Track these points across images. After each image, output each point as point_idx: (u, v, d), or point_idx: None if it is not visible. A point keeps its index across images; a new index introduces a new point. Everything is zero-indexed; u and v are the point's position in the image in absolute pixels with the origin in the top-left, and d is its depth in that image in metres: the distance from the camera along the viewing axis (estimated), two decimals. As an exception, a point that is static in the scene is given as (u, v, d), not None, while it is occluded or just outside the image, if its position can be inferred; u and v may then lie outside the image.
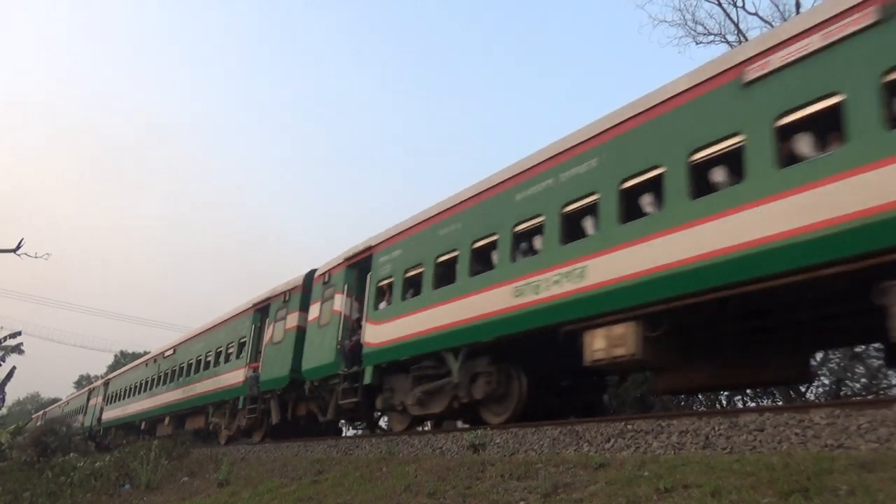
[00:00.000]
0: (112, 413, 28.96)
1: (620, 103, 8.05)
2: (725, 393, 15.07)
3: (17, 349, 16.09)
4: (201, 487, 11.10)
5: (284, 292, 16.10)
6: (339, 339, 12.90)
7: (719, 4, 19.48)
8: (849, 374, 14.49)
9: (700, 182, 7.19)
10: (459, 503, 5.85)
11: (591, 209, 8.40)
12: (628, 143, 8.03)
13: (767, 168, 6.46)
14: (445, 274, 10.70)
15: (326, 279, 14.17)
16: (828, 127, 6.26)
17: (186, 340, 22.79)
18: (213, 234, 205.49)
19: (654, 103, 7.89)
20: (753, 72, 6.81)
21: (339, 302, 13.31)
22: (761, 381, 10.08)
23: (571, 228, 8.69)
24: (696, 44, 20.96)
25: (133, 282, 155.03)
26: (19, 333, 17.09)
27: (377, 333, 11.79)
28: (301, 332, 14.75)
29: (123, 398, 27.97)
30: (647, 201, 7.83)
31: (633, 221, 7.74)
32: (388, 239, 12.38)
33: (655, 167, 7.54)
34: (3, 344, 16.19)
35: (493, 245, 9.80)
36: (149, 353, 28.87)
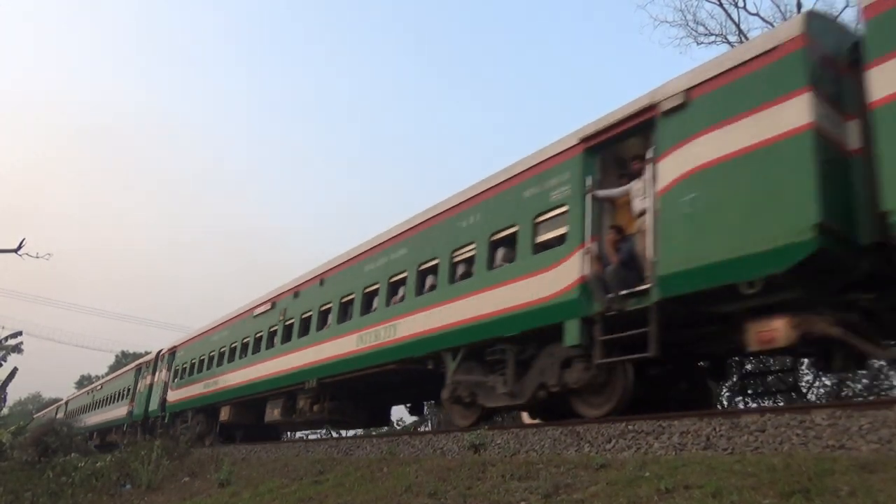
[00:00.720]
0: None
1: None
2: (727, 394, 15.13)
3: (17, 349, 16.10)
4: (202, 488, 11.10)
5: (147, 361, 26.45)
6: (161, 395, 23.07)
7: (720, 5, 19.52)
8: (850, 375, 14.49)
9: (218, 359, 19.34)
10: (460, 503, 5.85)
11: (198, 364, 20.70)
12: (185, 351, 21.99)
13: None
14: (191, 370, 21.18)
15: (163, 358, 24.41)
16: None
17: (107, 381, 34.65)
18: (214, 232, 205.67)
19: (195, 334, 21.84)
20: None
21: (165, 374, 23.62)
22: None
23: (196, 367, 20.77)
24: (698, 44, 21.01)
25: (134, 281, 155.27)
26: (20, 333, 17.11)
27: (172, 395, 22.16)
28: (151, 387, 24.63)
29: (75, 415, 37.53)
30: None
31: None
32: (181, 343, 23.36)
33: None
34: (4, 344, 16.20)
35: (201, 362, 20.48)
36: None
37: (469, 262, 10.15)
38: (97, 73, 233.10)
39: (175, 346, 23.42)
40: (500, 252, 9.66)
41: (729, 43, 19.21)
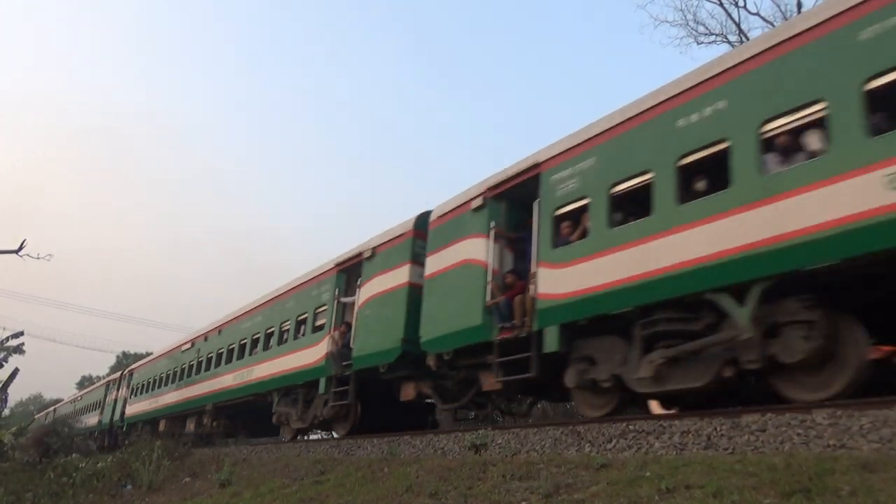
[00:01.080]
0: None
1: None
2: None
3: (19, 349, 16.09)
4: (203, 488, 11.11)
5: (114, 379, 31.42)
6: (122, 408, 27.87)
7: (721, 4, 19.56)
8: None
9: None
10: (461, 503, 5.85)
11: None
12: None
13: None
14: (142, 390, 25.81)
15: (125, 377, 29.19)
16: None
17: (86, 392, 39.48)
18: (214, 232, 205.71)
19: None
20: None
21: (125, 391, 28.42)
22: None
23: (144, 387, 25.76)
24: (698, 44, 21.04)
25: (134, 281, 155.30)
26: (21, 333, 17.09)
27: (129, 409, 27.07)
28: (115, 401, 29.24)
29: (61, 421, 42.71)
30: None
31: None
32: (136, 367, 28.25)
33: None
34: (6, 345, 16.18)
35: (148, 383, 25.19)
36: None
37: (288, 331, 15.16)
38: (97, 73, 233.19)
39: (133, 369, 28.97)
40: (301, 328, 14.57)
41: (729, 42, 19.25)
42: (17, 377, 18.42)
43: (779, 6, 20.63)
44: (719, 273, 6.56)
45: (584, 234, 8.26)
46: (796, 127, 6.37)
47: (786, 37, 6.58)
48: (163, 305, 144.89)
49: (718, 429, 5.89)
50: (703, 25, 20.35)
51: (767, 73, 6.62)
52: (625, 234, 7.60)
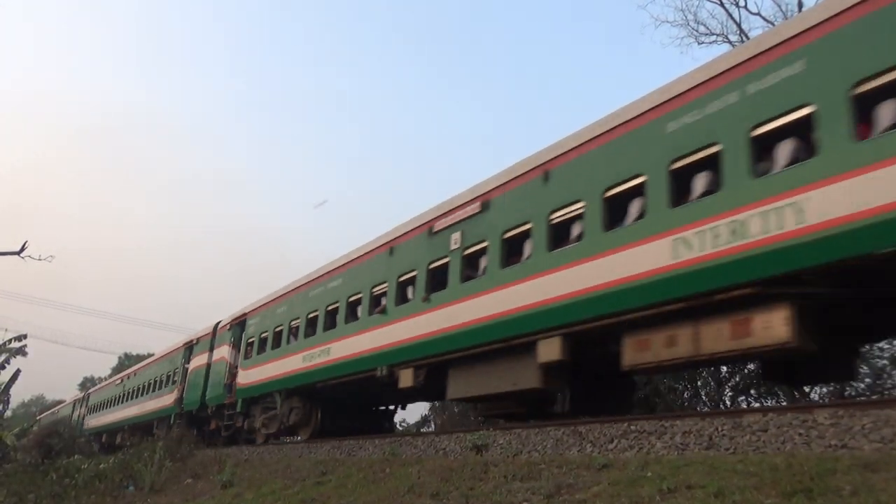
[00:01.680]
0: None
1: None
2: (730, 394, 15.15)
3: (21, 351, 16.09)
4: (205, 489, 11.13)
5: (80, 398, 39.48)
6: (84, 422, 35.58)
7: (721, 4, 19.51)
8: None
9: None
10: (462, 504, 5.86)
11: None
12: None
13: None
14: (96, 409, 34.60)
15: (86, 398, 37.84)
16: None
17: (61, 407, 46.32)
18: (214, 232, 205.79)
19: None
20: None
21: (84, 409, 36.69)
22: None
23: (97, 407, 35.12)
24: (699, 44, 21.00)
25: (135, 282, 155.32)
26: (25, 336, 17.08)
27: (89, 422, 34.86)
28: (80, 416, 37.36)
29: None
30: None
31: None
32: (93, 390, 38.67)
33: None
34: (8, 347, 16.18)
35: (99, 404, 34.25)
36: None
37: (162, 381, 23.73)
38: (97, 73, 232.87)
39: (90, 392, 38.08)
40: (168, 380, 23.05)
41: (730, 42, 19.24)
42: (19, 378, 18.43)
43: (779, 6, 20.63)
44: (275, 384, 15.05)
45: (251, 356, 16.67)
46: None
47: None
48: (163, 306, 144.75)
49: (720, 429, 5.90)
50: (704, 25, 20.30)
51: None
52: (260, 358, 16.19)
